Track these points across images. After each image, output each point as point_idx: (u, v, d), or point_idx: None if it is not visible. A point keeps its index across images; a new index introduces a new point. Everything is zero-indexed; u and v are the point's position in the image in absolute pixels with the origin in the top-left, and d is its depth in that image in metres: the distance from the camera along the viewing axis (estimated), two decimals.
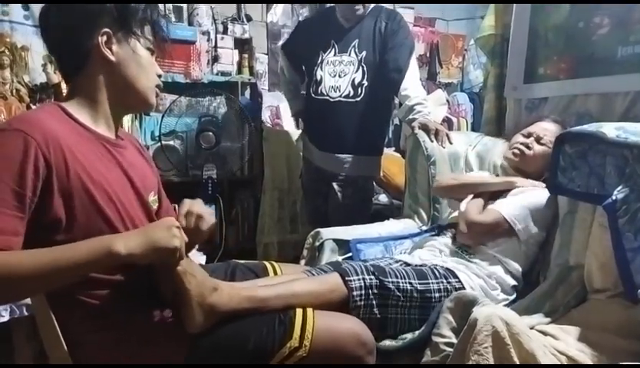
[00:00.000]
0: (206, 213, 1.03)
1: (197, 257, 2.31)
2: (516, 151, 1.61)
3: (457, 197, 1.66)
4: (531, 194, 1.51)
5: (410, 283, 1.30)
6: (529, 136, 1.61)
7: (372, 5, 2.08)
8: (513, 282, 1.47)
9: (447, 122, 3.15)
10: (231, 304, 1.02)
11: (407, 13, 3.22)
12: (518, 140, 1.63)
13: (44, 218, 0.86)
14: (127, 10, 0.98)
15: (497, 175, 1.74)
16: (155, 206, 1.10)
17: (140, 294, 0.97)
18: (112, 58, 0.97)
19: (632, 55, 1.57)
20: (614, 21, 1.62)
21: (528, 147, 1.59)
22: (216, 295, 1.00)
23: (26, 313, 1.59)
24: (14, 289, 0.82)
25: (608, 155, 1.21)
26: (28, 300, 1.53)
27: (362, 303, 1.22)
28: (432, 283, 1.34)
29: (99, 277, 0.93)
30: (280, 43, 2.34)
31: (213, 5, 2.74)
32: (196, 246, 1.12)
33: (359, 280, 1.23)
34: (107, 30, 0.96)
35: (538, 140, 1.59)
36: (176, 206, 1.24)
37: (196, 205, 1.03)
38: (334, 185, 2.10)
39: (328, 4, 2.27)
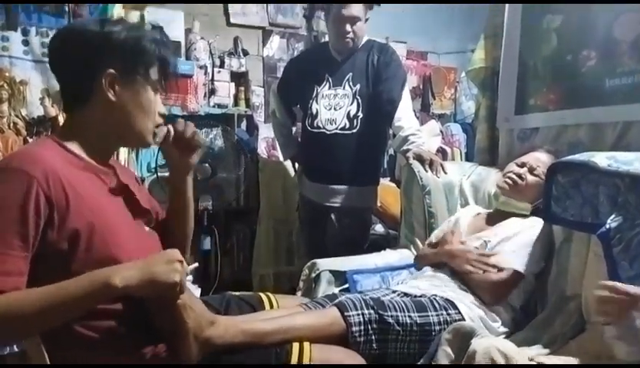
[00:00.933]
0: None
1: (192, 289, 2.28)
2: (508, 181, 1.62)
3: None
4: (525, 233, 1.52)
5: (409, 316, 1.28)
6: (522, 165, 1.63)
7: (365, 39, 2.13)
8: (512, 315, 1.46)
9: (441, 152, 3.19)
10: (226, 337, 1.01)
11: (399, 47, 3.30)
12: (511, 169, 1.64)
13: (47, 252, 0.87)
14: (136, 51, 0.97)
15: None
16: (151, 226, 1.10)
17: (133, 327, 0.96)
18: (113, 99, 0.97)
19: (620, 86, 1.61)
20: (601, 54, 1.67)
21: (521, 177, 1.60)
22: (212, 329, 1.00)
23: (16, 349, 1.56)
24: (23, 328, 0.84)
25: (600, 184, 1.23)
26: None
27: (362, 339, 1.20)
28: (431, 315, 1.32)
29: (97, 309, 0.91)
30: (274, 85, 2.41)
31: (211, 40, 2.80)
32: (191, 277, 1.12)
33: (358, 314, 1.22)
34: (111, 71, 0.95)
35: (531, 171, 1.60)
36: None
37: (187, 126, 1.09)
38: (333, 216, 2.11)
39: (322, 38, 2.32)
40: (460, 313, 1.36)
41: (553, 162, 1.53)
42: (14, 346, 1.54)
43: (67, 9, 2.45)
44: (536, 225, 1.53)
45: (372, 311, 1.23)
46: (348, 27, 2.04)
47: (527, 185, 1.59)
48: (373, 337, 1.21)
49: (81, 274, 0.87)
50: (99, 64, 0.95)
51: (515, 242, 1.50)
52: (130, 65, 0.97)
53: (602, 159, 1.24)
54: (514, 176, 1.61)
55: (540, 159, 1.62)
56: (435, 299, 1.37)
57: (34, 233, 0.84)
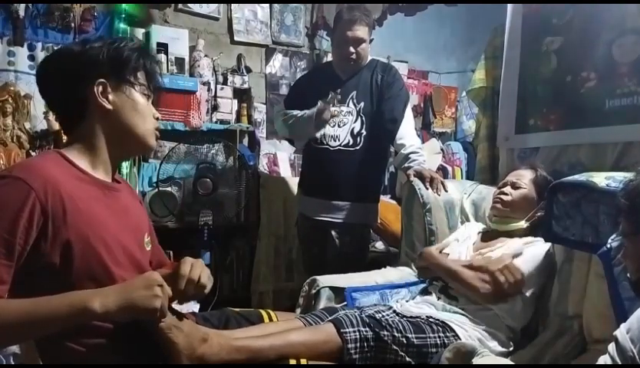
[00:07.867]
0: (206, 279, 0.98)
1: (190, 305, 2.26)
2: (496, 201, 1.65)
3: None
4: (530, 250, 1.51)
5: (406, 337, 1.28)
6: (504, 186, 1.66)
7: (369, 59, 2.16)
8: (510, 335, 1.44)
9: (442, 170, 3.20)
10: (221, 355, 1.00)
11: (400, 66, 3.34)
12: (495, 193, 1.68)
13: (39, 263, 0.87)
14: (120, 60, 1.00)
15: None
16: (148, 248, 1.10)
17: (129, 344, 0.95)
18: (109, 107, 0.99)
19: (619, 107, 1.62)
20: (600, 75, 1.68)
21: (505, 194, 1.63)
22: (205, 346, 0.99)
23: (12, 362, 1.55)
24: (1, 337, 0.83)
25: (600, 204, 1.23)
26: (16, 349, 1.49)
27: (358, 355, 1.19)
28: (429, 337, 1.31)
29: (89, 325, 0.91)
30: (281, 103, 2.43)
31: (215, 58, 2.84)
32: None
33: (355, 331, 1.21)
34: (102, 80, 0.98)
35: (513, 186, 1.64)
36: (171, 253, 1.23)
37: (196, 269, 0.97)
38: (333, 232, 2.11)
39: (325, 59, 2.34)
40: (457, 335, 1.35)
41: (535, 175, 1.62)
42: (11, 360, 1.53)
43: (72, 25, 2.49)
44: (536, 243, 1.53)
45: (368, 329, 1.23)
46: (352, 49, 2.07)
47: (513, 200, 1.61)
48: (369, 355, 1.21)
49: (75, 286, 0.87)
50: (89, 77, 0.98)
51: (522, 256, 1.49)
52: (118, 73, 1.00)
53: (601, 179, 1.24)
54: (499, 196, 1.65)
55: (520, 174, 1.67)
56: (431, 321, 1.37)
57: (22, 242, 0.84)
